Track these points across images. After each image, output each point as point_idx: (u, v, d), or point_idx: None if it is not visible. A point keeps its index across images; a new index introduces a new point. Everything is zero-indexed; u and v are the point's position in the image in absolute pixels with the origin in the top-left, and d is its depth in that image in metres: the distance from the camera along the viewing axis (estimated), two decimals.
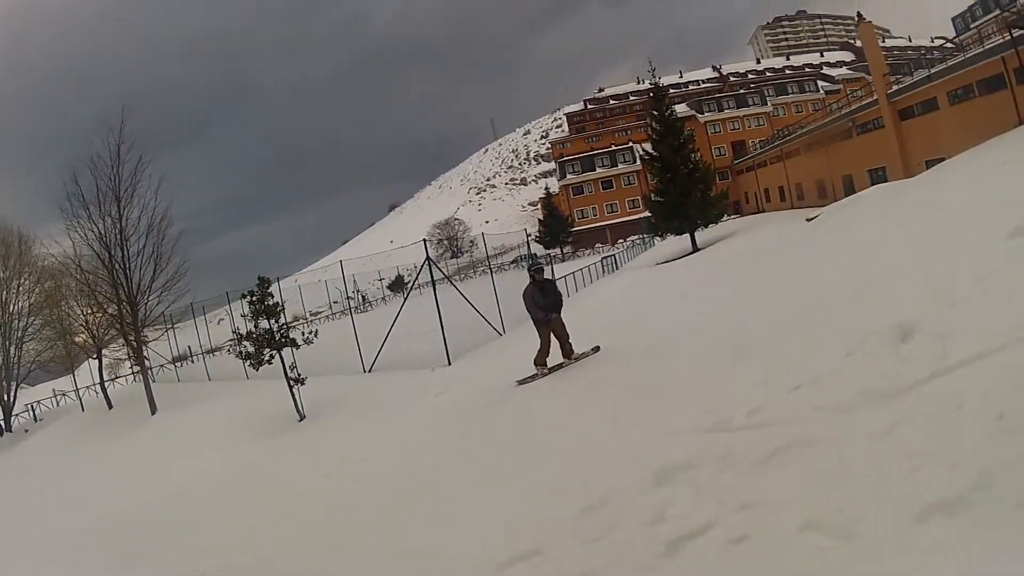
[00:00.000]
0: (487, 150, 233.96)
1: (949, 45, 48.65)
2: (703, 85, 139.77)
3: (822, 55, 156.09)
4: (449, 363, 19.93)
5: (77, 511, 15.93)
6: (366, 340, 23.19)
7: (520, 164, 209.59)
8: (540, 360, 13.10)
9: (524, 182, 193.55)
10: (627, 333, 14.38)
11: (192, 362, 42.44)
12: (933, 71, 36.17)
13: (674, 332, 12.18)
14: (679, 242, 46.50)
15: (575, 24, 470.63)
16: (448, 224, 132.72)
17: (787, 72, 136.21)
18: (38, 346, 38.49)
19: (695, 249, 41.99)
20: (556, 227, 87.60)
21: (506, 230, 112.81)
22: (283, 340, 19.40)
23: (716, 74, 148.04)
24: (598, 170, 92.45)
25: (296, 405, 18.92)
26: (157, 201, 29.62)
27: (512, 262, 78.99)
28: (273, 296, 19.71)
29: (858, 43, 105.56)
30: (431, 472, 8.90)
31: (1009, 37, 29.44)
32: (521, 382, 12.95)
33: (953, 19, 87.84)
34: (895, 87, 40.59)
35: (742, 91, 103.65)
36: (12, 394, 37.48)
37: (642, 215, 66.95)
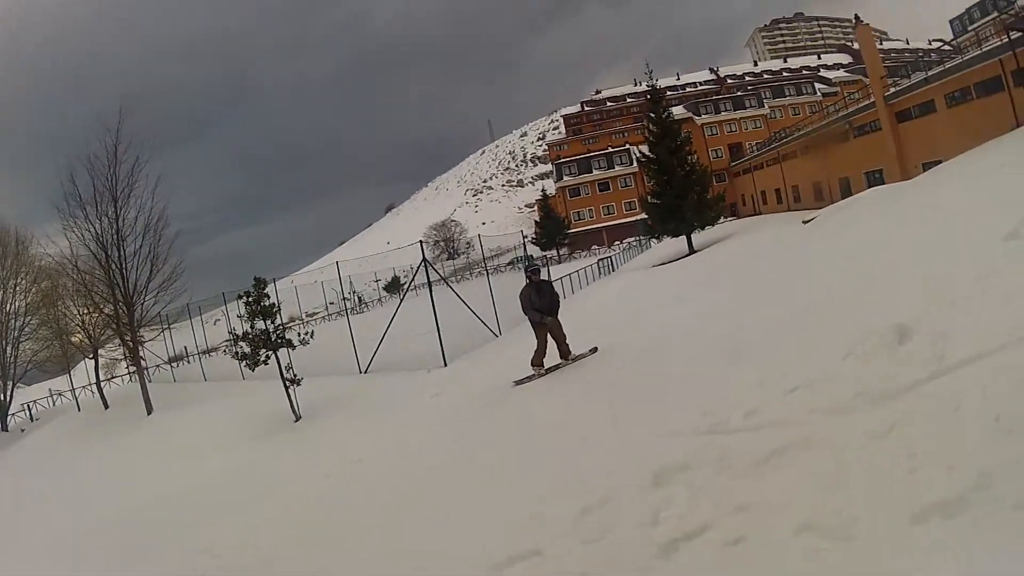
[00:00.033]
0: (484, 152, 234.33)
1: (947, 48, 48.81)
2: (700, 87, 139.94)
3: (819, 57, 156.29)
4: (445, 364, 19.91)
5: (75, 511, 15.88)
6: (362, 341, 23.16)
7: (517, 166, 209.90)
8: (537, 361, 13.10)
9: (521, 184, 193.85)
10: (624, 335, 14.37)
11: (188, 362, 42.42)
12: (930, 73, 36.26)
13: (671, 334, 12.19)
14: (676, 244, 46.57)
15: (573, 25, 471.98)
16: (445, 225, 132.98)
17: (784, 74, 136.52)
18: (34, 346, 38.38)
19: (692, 251, 42.01)
20: (553, 229, 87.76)
21: (502, 232, 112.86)
22: (279, 341, 19.38)
23: (713, 76, 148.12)
24: (595, 172, 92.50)
25: (292, 406, 18.89)
26: (154, 201, 29.50)
27: (508, 264, 79.07)
28: (269, 297, 19.67)
29: (855, 46, 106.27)
30: (430, 472, 8.90)
31: (1007, 40, 29.51)
32: (518, 382, 12.95)
33: (951, 21, 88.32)
34: (892, 89, 40.67)
35: (739, 93, 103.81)
36: (8, 394, 37.33)
37: (639, 217, 67.04)
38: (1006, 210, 8.40)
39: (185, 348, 43.40)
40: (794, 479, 4.57)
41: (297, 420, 18.63)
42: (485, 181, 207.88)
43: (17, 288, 37.50)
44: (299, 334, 19.90)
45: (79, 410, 34.90)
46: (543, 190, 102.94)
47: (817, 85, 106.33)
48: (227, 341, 24.61)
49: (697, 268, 29.04)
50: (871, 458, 4.33)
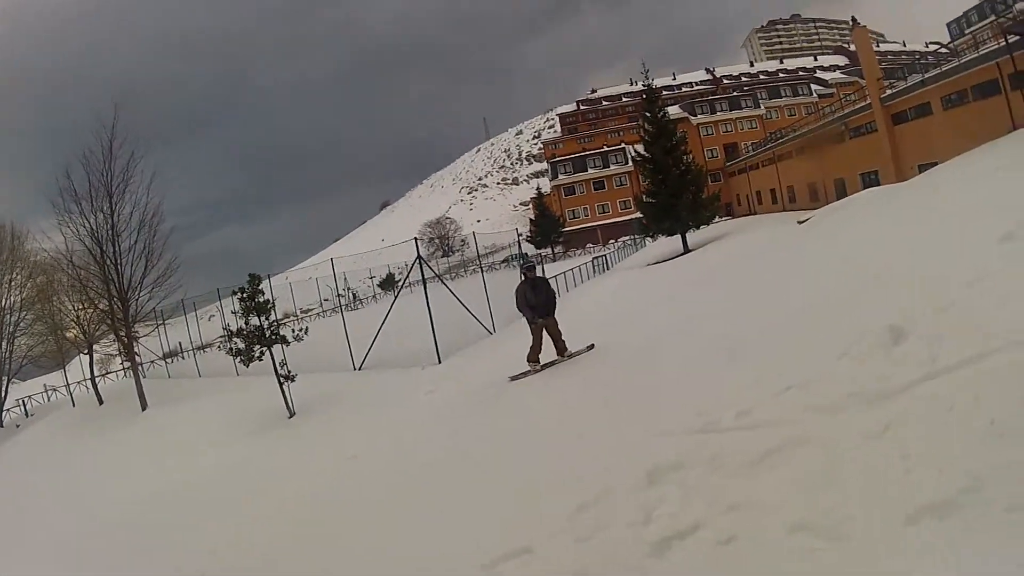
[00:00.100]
0: (479, 149, 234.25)
1: (944, 50, 48.83)
2: (696, 87, 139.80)
3: (816, 59, 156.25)
4: (439, 361, 19.91)
5: (70, 508, 15.85)
6: (356, 338, 23.14)
7: (512, 164, 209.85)
8: (532, 357, 13.15)
9: (516, 182, 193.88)
10: (618, 333, 14.38)
11: (183, 358, 42.28)
12: (927, 76, 36.26)
13: (665, 333, 12.21)
14: (670, 243, 46.50)
15: (571, 25, 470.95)
16: (439, 223, 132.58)
17: (780, 75, 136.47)
18: (29, 341, 38.24)
19: (686, 250, 41.96)
20: (547, 227, 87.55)
21: (497, 230, 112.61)
22: (273, 337, 19.36)
23: (709, 76, 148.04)
24: (590, 171, 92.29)
25: (286, 402, 18.87)
26: (149, 197, 29.45)
27: (503, 261, 78.87)
28: (264, 293, 19.65)
29: (852, 47, 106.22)
30: (424, 469, 8.90)
31: (1004, 43, 29.53)
32: (514, 378, 13.01)
33: (948, 24, 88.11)
34: (889, 91, 40.69)
35: (735, 93, 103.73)
36: (3, 389, 37.17)
37: (633, 216, 66.83)
38: (1001, 213, 8.45)
39: (180, 344, 43.28)
40: (788, 479, 4.58)
41: (291, 416, 18.61)
42: (480, 179, 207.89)
43: (12, 283, 37.40)
44: (293, 330, 19.86)
45: (74, 406, 34.76)
46: (538, 188, 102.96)
47: (813, 86, 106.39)
48: (221, 337, 24.57)
49: (692, 267, 29.01)
50: (865, 458, 4.35)
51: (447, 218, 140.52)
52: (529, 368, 13.07)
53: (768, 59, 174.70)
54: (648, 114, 46.03)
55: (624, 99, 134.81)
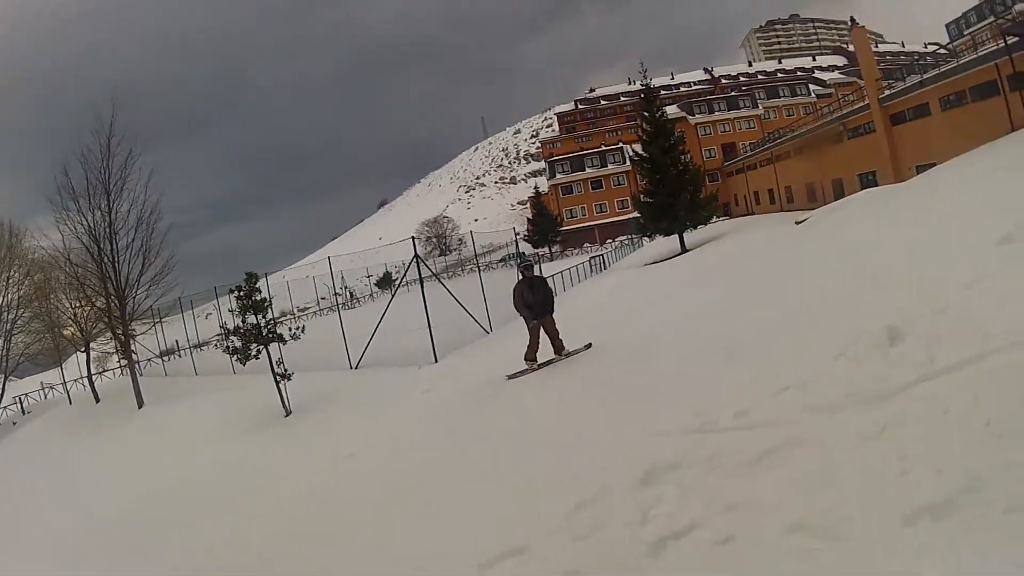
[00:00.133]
0: (477, 148, 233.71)
1: (943, 51, 48.88)
2: (694, 87, 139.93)
3: (814, 59, 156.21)
4: (436, 360, 19.90)
5: (68, 506, 15.85)
6: (353, 337, 23.14)
7: (510, 163, 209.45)
8: (530, 355, 13.15)
9: (514, 181, 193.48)
10: (615, 332, 14.37)
11: (179, 356, 42.28)
12: (926, 76, 36.29)
13: (662, 332, 12.22)
14: (668, 243, 46.53)
15: (570, 25, 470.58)
16: (437, 222, 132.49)
17: (779, 75, 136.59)
18: (27, 338, 38.21)
19: (684, 250, 42.00)
20: (545, 226, 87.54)
21: (495, 229, 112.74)
22: (270, 335, 19.35)
23: (708, 76, 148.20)
24: (588, 170, 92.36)
25: (283, 401, 18.85)
26: (147, 195, 29.49)
27: (500, 261, 79.01)
28: (261, 291, 19.63)
29: (851, 48, 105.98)
30: (421, 468, 8.88)
31: (1004, 44, 29.56)
32: (511, 376, 13.02)
33: (947, 25, 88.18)
34: (887, 92, 40.72)
35: (733, 93, 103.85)
36: (1, 386, 37.23)
37: (631, 216, 66.78)
38: (1000, 214, 8.45)
39: (176, 342, 43.28)
40: (785, 479, 4.57)
41: (288, 415, 18.60)
42: (478, 178, 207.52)
43: (10, 281, 37.35)
44: (290, 329, 19.88)
45: (70, 403, 34.80)
46: (536, 187, 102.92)
47: (812, 86, 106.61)
48: (218, 335, 24.54)
49: (689, 267, 29.02)
50: (863, 459, 4.34)
51: (444, 217, 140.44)
52: (527, 367, 13.07)
53: (766, 59, 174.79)
54: (646, 114, 46.10)
55: (622, 99, 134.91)
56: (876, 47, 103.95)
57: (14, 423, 34.36)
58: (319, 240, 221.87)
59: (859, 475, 4.18)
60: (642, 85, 47.88)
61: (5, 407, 37.49)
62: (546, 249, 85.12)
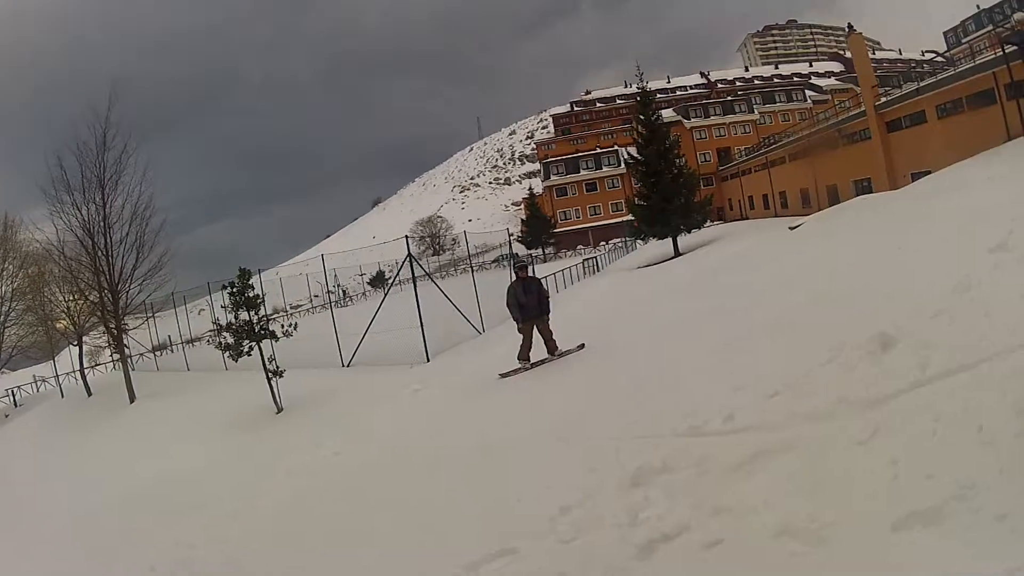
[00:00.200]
0: (472, 149, 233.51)
1: (940, 59, 48.96)
2: (690, 91, 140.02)
3: (811, 65, 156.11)
4: (428, 360, 19.88)
5: (54, 501, 15.81)
6: (345, 335, 23.10)
7: (504, 164, 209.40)
8: (523, 355, 13.18)
9: (508, 182, 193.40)
10: (607, 334, 14.37)
11: (172, 351, 42.13)
12: (922, 84, 36.38)
13: (653, 336, 12.21)
14: (661, 246, 46.46)
15: (566, 27, 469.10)
16: (431, 221, 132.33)
17: (775, 81, 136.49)
18: (19, 331, 38.08)
19: (677, 254, 41.91)
20: (538, 228, 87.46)
21: (488, 229, 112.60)
22: (263, 332, 19.29)
23: (704, 80, 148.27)
24: (582, 172, 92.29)
25: (274, 398, 18.80)
26: (142, 189, 29.40)
27: (494, 261, 78.91)
28: (253, 288, 19.57)
29: (848, 54, 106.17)
30: (407, 467, 8.85)
31: (1001, 53, 29.62)
32: (504, 375, 13.04)
33: (945, 33, 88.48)
34: (883, 99, 40.80)
35: (729, 98, 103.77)
36: None
37: (625, 218, 66.78)
38: (993, 223, 8.47)
39: (169, 337, 43.10)
40: (774, 483, 4.57)
41: (279, 412, 18.54)
42: (472, 178, 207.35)
43: (4, 273, 37.24)
44: (283, 326, 19.81)
45: (63, 397, 34.78)
46: (530, 189, 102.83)
47: (808, 92, 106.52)
48: (211, 331, 24.50)
49: (682, 271, 28.96)
50: (851, 464, 4.34)
51: (438, 217, 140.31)
52: (520, 366, 13.09)
53: (763, 64, 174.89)
54: (642, 117, 45.98)
55: (618, 101, 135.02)
56: (873, 54, 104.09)
57: (6, 415, 34.32)
58: (313, 238, 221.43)
59: (849, 480, 4.19)
60: (638, 88, 47.88)
61: None
62: (539, 251, 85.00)
